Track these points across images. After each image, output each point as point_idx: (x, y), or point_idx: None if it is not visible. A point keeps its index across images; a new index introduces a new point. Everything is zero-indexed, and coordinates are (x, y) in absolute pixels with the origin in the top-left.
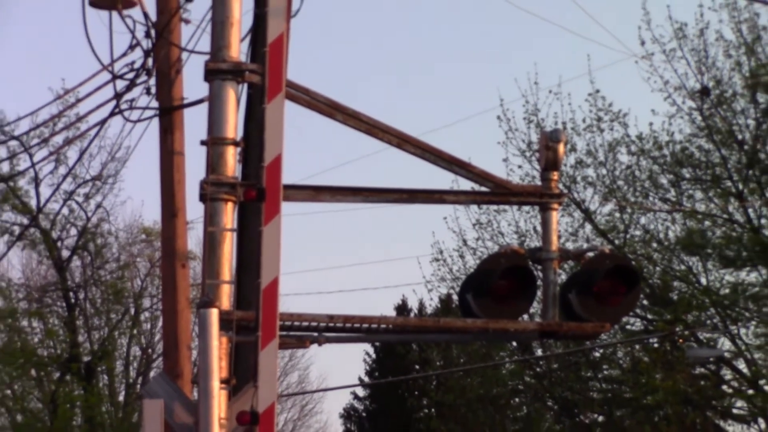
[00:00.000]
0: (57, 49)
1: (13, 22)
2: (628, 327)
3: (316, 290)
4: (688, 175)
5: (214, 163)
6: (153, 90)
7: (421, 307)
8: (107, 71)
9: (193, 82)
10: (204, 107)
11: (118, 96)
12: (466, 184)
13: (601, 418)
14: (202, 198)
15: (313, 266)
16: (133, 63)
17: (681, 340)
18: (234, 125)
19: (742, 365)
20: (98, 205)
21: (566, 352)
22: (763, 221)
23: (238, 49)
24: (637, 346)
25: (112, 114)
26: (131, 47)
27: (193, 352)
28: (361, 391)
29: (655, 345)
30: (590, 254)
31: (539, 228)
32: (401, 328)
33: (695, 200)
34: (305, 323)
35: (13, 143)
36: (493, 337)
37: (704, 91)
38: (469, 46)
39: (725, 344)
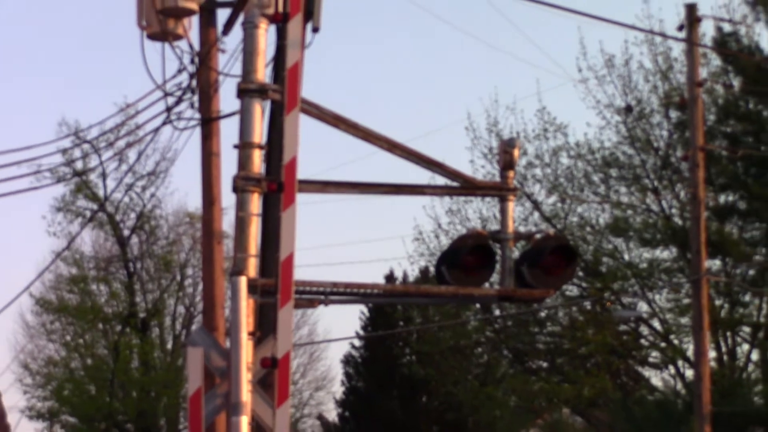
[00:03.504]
0: (120, 71)
1: (85, 52)
2: (567, 293)
3: (323, 262)
4: (614, 174)
5: (243, 162)
6: (196, 104)
7: (405, 276)
8: (160, 90)
9: (227, 99)
10: (236, 118)
11: (168, 109)
12: (441, 180)
13: (545, 365)
14: (234, 189)
15: (321, 243)
16: (180, 83)
17: (608, 303)
18: (259, 133)
19: (656, 323)
20: (152, 195)
21: (518, 312)
22: (673, 211)
23: (263, 73)
24: (574, 308)
25: (163, 123)
26: (179, 71)
27: (227, 310)
28: (357, 342)
29: (588, 307)
30: (538, 236)
31: (498, 215)
32: (389, 292)
33: (620, 194)
34: (314, 288)
35: (86, 146)
36: (462, 300)
37: (628, 109)
38: (445, 71)
39: (643, 307)
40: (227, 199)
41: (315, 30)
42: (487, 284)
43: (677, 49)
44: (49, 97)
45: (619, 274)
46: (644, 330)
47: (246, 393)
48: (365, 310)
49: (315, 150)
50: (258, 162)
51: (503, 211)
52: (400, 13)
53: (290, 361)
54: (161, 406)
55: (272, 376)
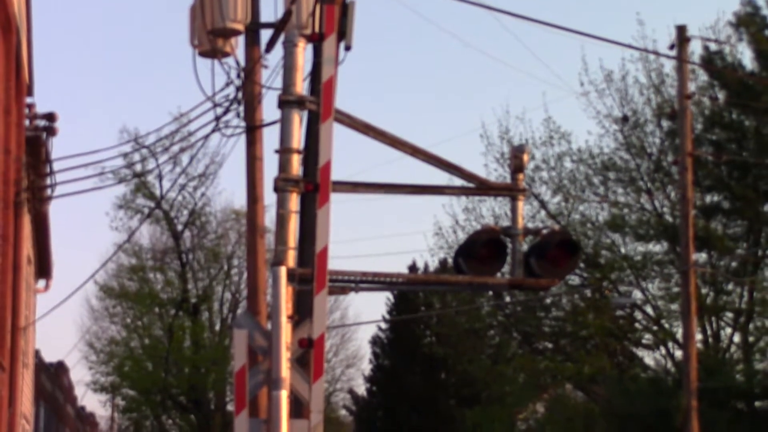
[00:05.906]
0: (174, 84)
1: (144, 69)
2: (570, 282)
3: (354, 254)
4: (612, 177)
5: (283, 165)
6: (241, 114)
7: (426, 267)
8: (210, 101)
9: (269, 109)
10: (277, 126)
11: (217, 118)
12: (458, 182)
13: (550, 345)
14: (275, 189)
15: (352, 237)
16: (227, 95)
17: (607, 291)
18: (298, 139)
19: (649, 309)
20: (203, 194)
21: (527, 299)
22: (665, 209)
23: (302, 86)
24: (576, 295)
25: (213, 131)
26: (227, 84)
27: (268, 296)
28: (383, 325)
29: (589, 295)
30: (545, 231)
31: (509, 213)
32: (412, 281)
33: (617, 194)
34: (346, 277)
35: (144, 150)
36: (476, 288)
37: (624, 119)
38: (462, 86)
39: (637, 294)
40: (269, 198)
41: (347, 48)
42: (499, 274)
43: (668, 66)
44: (112, 107)
45: (616, 266)
46: (638, 315)
47: (285, 370)
48: (391, 296)
49: (347, 154)
50: (296, 165)
51: (514, 210)
52: (424, 35)
53: (324, 342)
54: (210, 381)
55: (308, 355)
